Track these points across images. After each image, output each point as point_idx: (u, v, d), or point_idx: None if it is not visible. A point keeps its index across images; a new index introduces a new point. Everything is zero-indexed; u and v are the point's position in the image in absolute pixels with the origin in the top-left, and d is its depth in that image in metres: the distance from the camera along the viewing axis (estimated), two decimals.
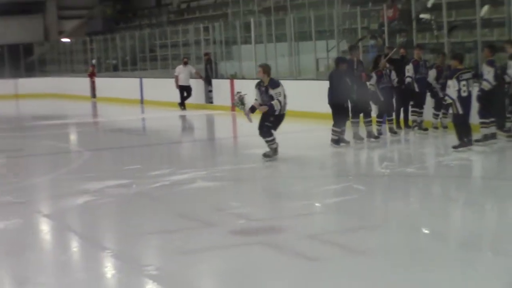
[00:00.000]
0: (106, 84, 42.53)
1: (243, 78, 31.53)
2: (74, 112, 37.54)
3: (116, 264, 10.68)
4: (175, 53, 38.74)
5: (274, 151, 17.94)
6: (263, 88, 17.66)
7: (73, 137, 28.61)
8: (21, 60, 53.55)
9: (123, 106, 37.63)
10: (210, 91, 33.31)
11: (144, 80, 38.88)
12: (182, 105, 32.83)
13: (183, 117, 31.26)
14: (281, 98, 17.64)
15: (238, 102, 18.09)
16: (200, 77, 33.52)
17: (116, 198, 15.00)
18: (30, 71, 52.55)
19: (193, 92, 32.99)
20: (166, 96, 34.50)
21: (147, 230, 12.33)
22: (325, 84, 19.77)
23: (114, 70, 45.09)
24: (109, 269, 10.59)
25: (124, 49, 44.84)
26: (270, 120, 17.82)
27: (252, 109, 17.82)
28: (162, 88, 35.33)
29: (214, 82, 33.12)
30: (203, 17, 41.74)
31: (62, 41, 54.59)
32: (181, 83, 32.98)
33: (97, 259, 10.96)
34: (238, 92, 18.14)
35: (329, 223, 12.57)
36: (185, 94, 32.96)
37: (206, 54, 34.32)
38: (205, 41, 36.38)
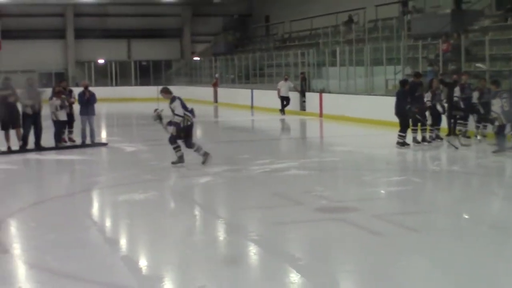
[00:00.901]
0: (225, 93, 42.80)
1: (330, 92, 31.47)
2: (200, 113, 37.77)
3: (227, 229, 10.77)
4: (278, 71, 38.82)
5: (180, 158, 16.49)
6: (171, 106, 16.59)
7: (198, 131, 28.82)
8: (162, 73, 54.28)
9: (237, 110, 37.80)
10: (304, 101, 33.26)
11: (254, 91, 39.01)
12: (282, 111, 32.87)
13: (282, 120, 31.28)
14: (177, 111, 16.26)
15: (156, 117, 17.01)
16: (297, 90, 33.54)
17: (229, 180, 15.09)
18: (169, 81, 53.13)
19: (290, 102, 33.02)
20: (270, 103, 34.57)
21: (251, 205, 12.40)
22: (393, 99, 19.62)
23: (232, 82, 45.36)
24: (221, 233, 10.68)
25: (240, 67, 45.12)
26: (180, 135, 16.53)
27: (170, 123, 16.79)
28: (268, 98, 35.42)
29: (307, 94, 33.07)
30: (300, 45, 41.72)
31: (193, 59, 55.16)
32: (282, 94, 33.08)
33: (213, 225, 11.07)
34: (156, 109, 17.04)
35: (391, 206, 12.45)
36: (284, 102, 33.00)
37: (302, 73, 34.30)
38: (301, 63, 36.46)
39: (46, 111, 20.36)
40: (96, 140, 21.35)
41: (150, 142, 22.21)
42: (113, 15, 53.50)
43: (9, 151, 19.40)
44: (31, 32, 50.97)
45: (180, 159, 16.52)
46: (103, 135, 24.90)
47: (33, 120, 19.66)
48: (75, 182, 15.78)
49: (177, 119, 16.28)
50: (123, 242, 10.23)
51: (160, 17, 55.09)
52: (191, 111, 16.71)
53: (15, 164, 18.13)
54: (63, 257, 9.01)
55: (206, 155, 16.66)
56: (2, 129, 19.54)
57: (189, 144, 16.67)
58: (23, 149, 19.56)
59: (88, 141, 20.90)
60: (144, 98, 47.19)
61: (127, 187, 14.12)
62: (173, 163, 16.53)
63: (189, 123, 16.54)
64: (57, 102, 20.02)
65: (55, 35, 52.52)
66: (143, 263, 8.97)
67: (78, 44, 53.35)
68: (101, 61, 53.65)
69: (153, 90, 49.01)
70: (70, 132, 21.36)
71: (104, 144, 21.40)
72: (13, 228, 11.03)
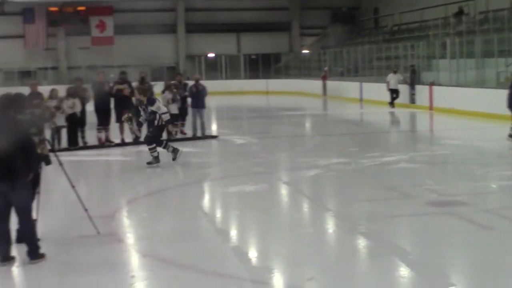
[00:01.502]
0: (334, 86, 42.57)
1: (440, 84, 30.88)
2: (309, 106, 37.85)
3: (336, 222, 10.74)
4: (387, 64, 38.37)
5: (155, 158, 16.19)
6: (143, 106, 16.27)
7: (307, 124, 28.87)
8: (271, 66, 54.51)
9: (346, 103, 37.61)
10: (413, 94, 32.73)
11: (363, 84, 38.69)
12: (391, 104, 32.47)
13: (391, 113, 30.91)
14: (161, 111, 16.13)
15: (127, 120, 17.12)
16: (406, 83, 33.05)
17: (338, 173, 15.03)
18: (278, 74, 53.39)
19: (400, 94, 32.58)
20: (379, 96, 34.22)
21: (360, 198, 12.32)
22: (504, 92, 19.02)
23: (341, 75, 45.10)
24: (330, 226, 10.66)
25: (349, 60, 44.78)
26: (150, 131, 16.67)
27: (139, 124, 16.99)
28: (377, 91, 35.05)
29: (417, 87, 32.53)
30: (410, 37, 41.09)
31: (302, 52, 55.17)
32: (391, 87, 32.66)
33: (322, 218, 11.06)
34: (127, 113, 17.10)
35: (502, 201, 12.12)
36: (394, 95, 32.58)
37: (412, 65, 33.75)
38: (410, 55, 35.94)
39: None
40: (207, 133, 21.66)
41: (260, 135, 22.36)
42: (223, 9, 54.06)
43: (123, 143, 19.94)
44: (143, 27, 52.02)
45: (156, 159, 16.26)
46: (214, 128, 25.23)
47: None
48: (186, 174, 16.04)
49: (165, 117, 16.21)
50: (233, 233, 10.35)
51: (268, 10, 55.30)
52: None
53: (128, 156, 18.62)
54: (175, 246, 9.20)
55: (175, 151, 16.47)
56: (117, 121, 20.09)
57: (160, 143, 16.46)
58: (136, 141, 20.05)
59: (198, 133, 21.23)
60: (253, 91, 47.57)
61: (238, 179, 14.29)
62: (148, 163, 16.27)
63: (162, 123, 16.35)
64: (169, 95, 20.43)
65: (167, 29, 53.46)
66: (253, 254, 9.06)
67: (188, 38, 54.19)
68: (211, 55, 54.33)
69: (262, 84, 49.40)
70: (182, 125, 21.74)
71: (215, 137, 21.68)
72: (127, 218, 11.34)
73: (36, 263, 8.51)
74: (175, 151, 16.37)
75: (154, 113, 16.21)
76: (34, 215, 8.80)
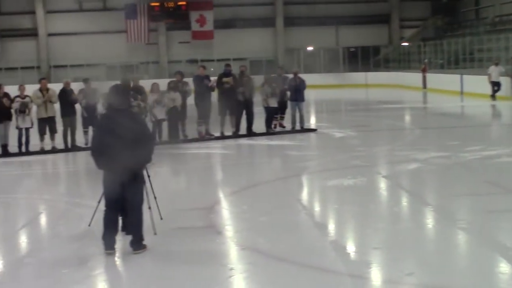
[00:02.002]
0: (434, 79, 41.85)
1: None
2: (408, 99, 37.35)
3: (435, 217, 10.60)
4: (489, 56, 37.50)
5: None
6: None
7: (407, 117, 28.50)
8: (370, 58, 54.00)
9: (446, 96, 36.94)
10: None
11: (464, 76, 37.91)
12: (493, 96, 31.73)
13: (493, 106, 30.19)
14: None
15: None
16: (508, 75, 32.21)
17: (438, 166, 14.80)
18: (377, 66, 52.85)
19: (502, 87, 31.78)
20: (480, 89, 33.46)
21: (461, 192, 12.11)
22: None
23: (441, 68, 44.34)
24: (429, 221, 10.52)
25: (449, 52, 43.98)
26: None
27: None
28: (478, 83, 34.29)
29: None
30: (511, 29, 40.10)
31: (402, 45, 54.46)
32: (492, 79, 31.91)
33: (421, 212, 10.92)
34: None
35: None
36: (495, 88, 31.81)
37: None
38: None
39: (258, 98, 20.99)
40: (306, 126, 21.68)
41: (359, 128, 22.22)
42: (322, 2, 53.85)
43: (223, 136, 20.18)
44: (242, 21, 52.45)
45: None
46: (312, 121, 25.21)
47: (245, 106, 20.34)
48: (285, 167, 16.11)
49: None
50: (331, 226, 10.34)
51: (368, 3, 54.81)
52: None
53: (228, 149, 18.83)
54: (274, 239, 9.26)
55: None
56: (219, 114, 20.35)
57: None
58: (236, 134, 20.26)
59: (297, 127, 21.27)
60: (352, 84, 47.28)
61: (336, 172, 14.26)
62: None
63: None
64: (268, 89, 20.53)
65: (265, 23, 53.66)
66: (351, 248, 9.04)
67: (287, 31, 54.23)
68: (310, 48, 54.25)
69: (361, 76, 49.05)
70: (282, 118, 21.83)
71: (313, 130, 21.68)
72: (226, 211, 11.46)
73: (139, 253, 8.75)
74: None
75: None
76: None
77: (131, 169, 8.68)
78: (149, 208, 9.52)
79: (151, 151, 8.94)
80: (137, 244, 8.83)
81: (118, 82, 14.02)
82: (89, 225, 9.74)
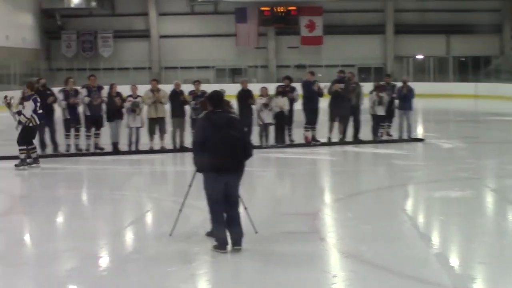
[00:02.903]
0: None
1: None
2: None
3: None
4: None
5: (22, 161, 16.45)
6: None
7: None
8: (480, 69, 52.85)
9: None
10: None
11: None
12: None
13: None
14: (26, 111, 16.16)
15: (5, 104, 16.68)
16: None
17: None
18: (488, 77, 51.67)
19: None
20: None
21: None
22: None
23: None
24: None
25: None
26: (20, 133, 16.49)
27: (19, 113, 16.38)
28: None
29: None
30: None
31: None
32: None
33: None
34: (5, 96, 16.68)
35: None
36: None
37: None
38: None
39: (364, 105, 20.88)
40: (413, 135, 21.42)
41: (468, 140, 21.80)
42: (433, 10, 53.03)
43: (329, 143, 20.16)
44: (351, 28, 52.19)
45: (23, 162, 16.53)
46: (420, 131, 24.88)
47: (352, 113, 20.27)
48: (391, 176, 15.97)
49: (22, 119, 16.32)
50: (436, 238, 10.17)
51: (479, 12, 53.58)
52: (39, 115, 16.56)
53: (334, 155, 18.82)
54: (377, 248, 9.21)
55: (36, 160, 16.74)
56: (329, 120, 20.33)
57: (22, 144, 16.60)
58: (342, 141, 20.21)
59: (404, 136, 21.04)
60: (462, 94, 46.35)
61: (443, 184, 14.06)
62: (16, 165, 16.53)
63: (31, 124, 16.45)
64: (375, 97, 20.39)
65: (375, 30, 53.23)
66: (455, 261, 8.90)
67: (397, 39, 53.66)
68: (419, 56, 53.53)
69: (470, 87, 48.01)
70: (389, 127, 21.63)
71: (421, 140, 21.38)
72: (330, 217, 11.46)
73: (239, 250, 8.92)
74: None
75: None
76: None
77: (238, 169, 8.91)
78: (245, 208, 9.64)
79: (250, 152, 9.08)
80: (240, 240, 9.03)
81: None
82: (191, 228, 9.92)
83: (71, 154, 18.57)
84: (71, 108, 18.67)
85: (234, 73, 51.68)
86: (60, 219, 11.93)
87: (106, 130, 18.99)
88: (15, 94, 20.00)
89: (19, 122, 16.47)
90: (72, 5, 51.07)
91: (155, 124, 19.01)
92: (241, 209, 9.47)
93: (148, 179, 16.49)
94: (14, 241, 9.96)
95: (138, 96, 18.92)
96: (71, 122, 18.74)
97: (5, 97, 17.17)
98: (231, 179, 8.93)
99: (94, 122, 18.81)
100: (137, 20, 53.93)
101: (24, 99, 16.66)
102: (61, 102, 18.58)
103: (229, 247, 8.99)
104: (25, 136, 16.54)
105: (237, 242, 9.03)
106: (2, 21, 45.52)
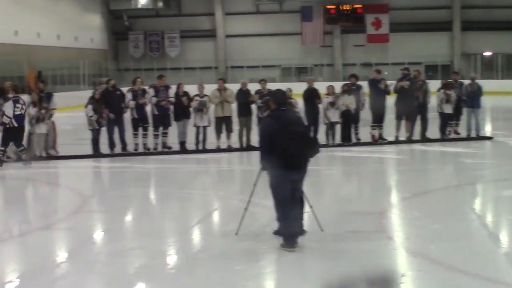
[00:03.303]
0: None
1: None
2: None
3: None
4: None
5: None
6: None
7: None
8: None
9: None
10: None
11: None
12: None
13: None
14: (7, 112, 16.75)
15: None
16: None
17: None
18: None
19: None
20: None
21: None
22: None
23: None
24: None
25: None
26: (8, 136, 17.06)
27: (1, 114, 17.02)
28: None
29: None
30: None
31: None
32: None
33: None
34: None
35: None
36: None
37: None
38: None
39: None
40: (481, 134, 21.08)
41: None
42: (501, 6, 52.09)
43: (396, 141, 19.96)
44: (418, 25, 51.59)
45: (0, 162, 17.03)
46: (488, 129, 24.46)
47: (419, 111, 20.04)
48: (459, 174, 15.77)
49: (6, 119, 16.80)
50: (505, 238, 9.99)
51: None
52: (18, 116, 16.93)
53: (401, 154, 18.64)
54: (446, 248, 9.09)
55: (29, 160, 17.19)
56: (396, 118, 20.16)
57: (18, 144, 17.20)
58: (409, 139, 20.00)
59: (473, 134, 20.72)
60: None
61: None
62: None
63: (10, 125, 16.89)
64: (443, 95, 20.13)
65: (442, 27, 52.50)
66: None
67: (464, 36, 52.85)
68: (487, 53, 52.64)
69: None
70: (457, 125, 21.32)
71: (489, 138, 21.03)
72: (397, 216, 11.36)
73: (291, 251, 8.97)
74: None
75: None
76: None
77: (304, 167, 8.98)
78: (311, 207, 9.64)
79: (316, 150, 9.16)
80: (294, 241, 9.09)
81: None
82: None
83: (139, 153, 18.82)
84: (139, 108, 18.90)
85: (300, 72, 51.63)
86: (128, 217, 12.11)
87: (173, 129, 19.18)
88: (83, 95, 20.42)
89: (1, 123, 17.05)
90: (139, 6, 51.80)
91: (222, 123, 19.11)
92: (306, 208, 9.51)
93: (215, 178, 16.61)
94: (85, 239, 10.14)
95: (205, 95, 19.06)
96: (139, 121, 18.98)
97: None
98: (298, 176, 8.97)
99: (162, 121, 19.02)
100: (203, 20, 54.36)
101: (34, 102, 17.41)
102: (129, 102, 18.84)
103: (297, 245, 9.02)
104: (4, 137, 17.18)
105: (291, 244, 9.06)
106: (71, 23, 46.42)
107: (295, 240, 9.01)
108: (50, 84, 37.70)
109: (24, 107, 17.15)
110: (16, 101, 17.01)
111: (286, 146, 8.72)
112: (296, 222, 9.04)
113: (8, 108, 16.86)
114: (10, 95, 17.42)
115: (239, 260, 8.72)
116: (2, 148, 17.16)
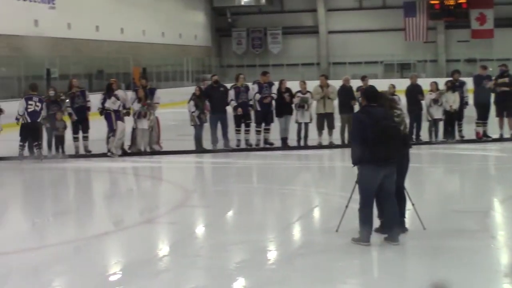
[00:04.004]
0: None
1: None
2: None
3: None
4: None
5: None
6: None
7: None
8: None
9: None
10: None
11: None
12: None
13: None
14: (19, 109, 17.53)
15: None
16: None
17: None
18: None
19: None
20: None
21: None
22: None
23: None
24: None
25: None
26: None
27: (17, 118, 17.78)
28: None
29: None
30: None
31: None
32: None
33: None
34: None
35: None
36: None
37: None
38: None
39: None
40: None
41: None
42: None
43: (501, 139, 19.43)
44: None
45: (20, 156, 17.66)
46: None
47: None
48: None
49: (17, 116, 17.56)
50: None
51: None
52: (32, 113, 17.47)
53: (506, 152, 18.21)
54: None
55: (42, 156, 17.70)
56: (497, 116, 19.63)
57: (35, 139, 17.74)
58: None
59: None
60: None
61: None
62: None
63: (23, 121, 17.54)
64: None
65: None
66: None
67: None
68: None
69: None
70: None
71: None
72: (501, 215, 11.11)
73: (396, 245, 8.90)
74: None
75: None
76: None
77: (394, 163, 8.95)
78: (413, 204, 9.54)
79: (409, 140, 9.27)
80: (396, 236, 9.04)
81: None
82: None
83: (241, 149, 18.97)
84: (243, 105, 18.99)
85: (403, 68, 51.01)
86: (230, 212, 12.21)
87: (275, 126, 19.23)
88: (187, 91, 20.72)
89: (16, 119, 17.78)
90: (242, 3, 52.27)
91: (324, 119, 19.04)
92: (409, 205, 9.41)
93: (316, 174, 16.59)
94: (187, 233, 10.30)
95: (307, 91, 19.03)
96: (242, 117, 19.10)
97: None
98: (389, 171, 8.94)
99: (264, 117, 19.10)
100: (305, 16, 54.39)
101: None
102: (231, 102, 18.95)
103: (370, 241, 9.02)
104: (20, 133, 17.74)
105: (394, 238, 9.02)
106: (175, 20, 47.26)
107: (369, 235, 9.00)
108: (154, 81, 38.52)
109: (38, 104, 17.70)
110: (28, 99, 17.65)
111: (375, 141, 8.73)
112: (371, 219, 9.04)
113: (21, 106, 17.53)
114: (116, 92, 17.95)
115: (339, 257, 8.70)
116: (21, 143, 17.78)
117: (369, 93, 9.22)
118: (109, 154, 17.90)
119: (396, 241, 8.97)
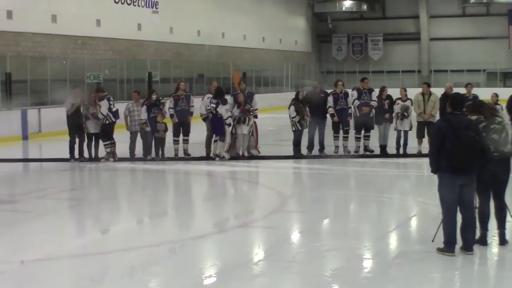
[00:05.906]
0: None
1: None
2: None
3: None
4: None
5: (108, 154, 18.22)
6: None
7: None
8: None
9: None
10: None
11: None
12: None
13: None
14: (102, 110, 17.83)
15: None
16: None
17: None
18: None
19: None
20: None
21: None
22: None
23: None
24: None
25: None
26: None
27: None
28: None
29: None
30: None
31: None
32: None
33: None
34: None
35: None
36: None
37: None
38: None
39: None
40: None
41: None
42: None
43: None
44: None
45: (109, 155, 18.19)
46: None
47: None
48: None
49: (100, 116, 17.85)
50: None
51: None
52: (114, 113, 17.98)
53: None
54: None
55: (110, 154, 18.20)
56: None
57: (107, 138, 18.11)
58: None
59: None
60: None
61: None
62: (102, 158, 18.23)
63: (107, 121, 17.88)
64: None
65: None
66: None
67: None
68: None
69: None
70: None
71: None
72: None
73: (470, 254, 8.80)
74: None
75: None
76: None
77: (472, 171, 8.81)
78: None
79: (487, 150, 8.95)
80: (471, 245, 8.91)
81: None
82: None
83: (339, 156, 18.84)
84: (340, 111, 18.85)
85: (506, 77, 49.78)
86: (326, 218, 12.15)
87: (375, 133, 19.03)
88: (286, 96, 20.70)
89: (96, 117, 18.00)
90: (344, 9, 52.08)
91: (424, 127, 18.69)
92: (508, 218, 9.18)
93: (415, 183, 16.32)
94: (283, 238, 10.29)
95: (408, 99, 18.75)
96: (340, 124, 18.96)
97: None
98: (467, 180, 8.78)
99: (363, 124, 18.92)
100: (407, 23, 53.80)
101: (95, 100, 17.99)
102: (329, 109, 18.82)
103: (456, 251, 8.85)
104: (104, 132, 17.99)
105: (469, 247, 8.88)
106: (275, 25, 47.47)
107: (453, 245, 8.84)
108: (254, 86, 38.76)
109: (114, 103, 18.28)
110: (109, 99, 18.07)
111: (454, 150, 8.61)
112: (455, 228, 8.87)
113: (104, 106, 17.77)
114: (226, 96, 18.33)
115: (435, 267, 8.53)
116: (113, 141, 18.21)
117: (456, 100, 9.09)
118: (217, 158, 18.07)
119: (470, 251, 8.85)
